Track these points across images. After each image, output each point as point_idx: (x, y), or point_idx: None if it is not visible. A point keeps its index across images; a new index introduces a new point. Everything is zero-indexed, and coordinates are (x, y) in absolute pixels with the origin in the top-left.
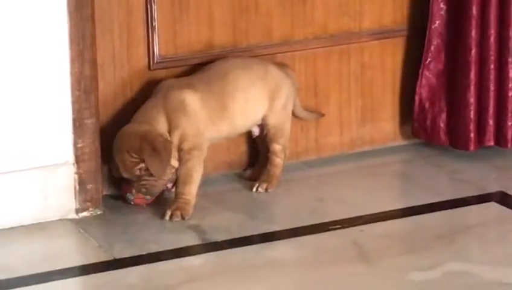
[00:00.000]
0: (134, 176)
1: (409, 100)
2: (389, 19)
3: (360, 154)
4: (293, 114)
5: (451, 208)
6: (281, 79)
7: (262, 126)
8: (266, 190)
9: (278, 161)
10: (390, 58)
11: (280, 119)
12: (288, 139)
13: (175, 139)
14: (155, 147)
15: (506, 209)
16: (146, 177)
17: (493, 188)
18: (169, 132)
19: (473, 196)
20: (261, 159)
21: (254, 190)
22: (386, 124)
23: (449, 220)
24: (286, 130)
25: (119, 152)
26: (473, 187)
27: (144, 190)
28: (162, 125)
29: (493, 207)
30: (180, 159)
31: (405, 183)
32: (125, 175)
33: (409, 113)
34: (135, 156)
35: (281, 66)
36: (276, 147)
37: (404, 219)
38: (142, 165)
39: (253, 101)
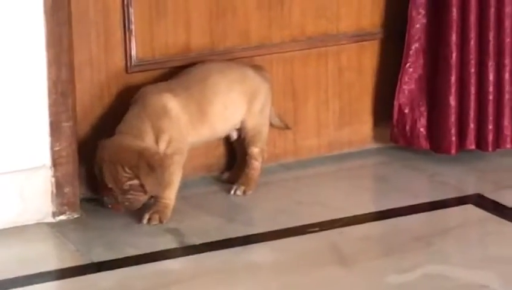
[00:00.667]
0: (122, 189)
1: (387, 103)
2: (367, 21)
3: (338, 156)
4: None
5: (429, 210)
6: (259, 82)
7: (240, 130)
8: (244, 192)
9: (256, 164)
10: (368, 60)
11: (258, 123)
12: (266, 142)
13: (162, 145)
14: (152, 165)
15: (484, 211)
16: (133, 192)
17: (471, 190)
18: (157, 139)
19: (451, 199)
20: (238, 162)
21: (232, 192)
22: (364, 127)
23: (427, 222)
24: (264, 133)
25: (110, 164)
26: (451, 190)
27: (127, 203)
28: (150, 136)
29: (471, 209)
30: None
31: (383, 185)
32: (110, 186)
33: (387, 116)
34: (129, 171)
35: (258, 68)
36: (254, 150)
37: (382, 221)
38: (135, 181)
39: (232, 105)
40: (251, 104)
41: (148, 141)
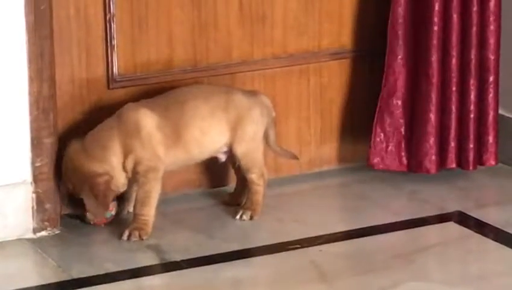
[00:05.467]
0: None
1: (367, 121)
2: (348, 39)
3: (319, 174)
4: (267, 145)
5: (409, 227)
6: (246, 109)
7: (231, 155)
8: (251, 217)
9: (258, 188)
10: (349, 78)
11: (249, 149)
12: (263, 165)
13: (129, 163)
14: (94, 192)
15: (465, 229)
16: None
17: (452, 208)
18: (124, 155)
19: (431, 216)
20: (237, 185)
21: (238, 217)
22: (345, 144)
23: (408, 240)
24: (258, 159)
25: (63, 170)
26: (431, 207)
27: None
28: (114, 153)
29: (452, 227)
30: (136, 181)
31: (364, 203)
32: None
33: (368, 134)
34: (71, 188)
35: (251, 93)
36: (252, 176)
37: (362, 238)
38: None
39: (211, 131)
40: (236, 130)
41: (111, 157)
